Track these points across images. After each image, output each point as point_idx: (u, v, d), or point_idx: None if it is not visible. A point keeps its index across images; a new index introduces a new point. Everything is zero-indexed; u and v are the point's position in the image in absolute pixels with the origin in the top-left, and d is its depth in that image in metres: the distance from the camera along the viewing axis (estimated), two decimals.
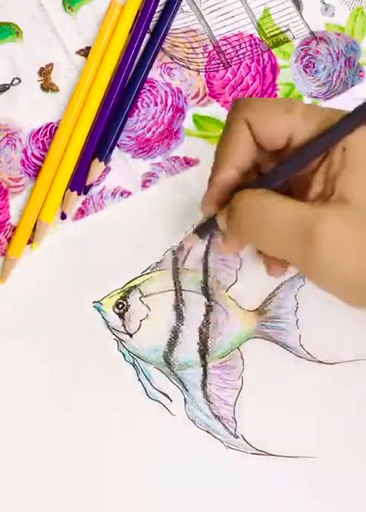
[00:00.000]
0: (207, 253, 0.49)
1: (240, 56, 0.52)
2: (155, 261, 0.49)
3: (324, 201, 0.38)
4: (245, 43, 0.52)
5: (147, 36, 0.52)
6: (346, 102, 0.51)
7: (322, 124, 0.38)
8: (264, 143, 0.40)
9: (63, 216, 0.50)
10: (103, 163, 0.50)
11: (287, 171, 0.39)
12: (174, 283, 0.48)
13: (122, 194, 0.50)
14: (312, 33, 0.52)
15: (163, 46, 0.52)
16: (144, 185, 0.50)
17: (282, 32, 0.52)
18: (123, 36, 0.51)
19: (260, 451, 0.47)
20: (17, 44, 0.52)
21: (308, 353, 0.48)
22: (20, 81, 0.51)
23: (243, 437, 0.47)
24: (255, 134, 0.40)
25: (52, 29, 0.52)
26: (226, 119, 0.41)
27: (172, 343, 0.48)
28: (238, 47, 0.52)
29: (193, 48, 0.52)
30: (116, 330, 0.48)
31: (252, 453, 0.47)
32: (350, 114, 0.38)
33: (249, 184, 0.40)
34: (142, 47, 0.51)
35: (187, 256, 0.49)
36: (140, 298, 0.48)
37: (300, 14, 0.52)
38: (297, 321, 0.48)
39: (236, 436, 0.47)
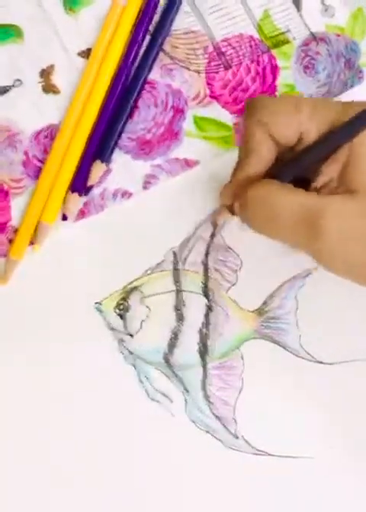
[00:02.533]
0: (207, 254, 0.49)
1: (240, 57, 0.52)
2: (156, 262, 0.49)
3: (331, 192, 0.40)
4: (245, 44, 0.52)
5: (148, 37, 0.52)
6: None
7: (330, 122, 0.40)
8: (278, 141, 0.42)
9: (64, 218, 0.50)
10: (104, 164, 0.50)
11: (295, 169, 0.42)
12: (175, 284, 0.49)
13: (123, 196, 0.50)
14: (312, 34, 0.52)
15: (163, 47, 0.52)
16: (145, 186, 0.50)
17: (282, 33, 0.52)
18: (124, 37, 0.51)
19: (260, 451, 0.47)
20: (18, 45, 0.52)
21: (308, 353, 0.48)
22: (21, 82, 0.52)
23: (243, 438, 0.47)
24: (270, 133, 0.41)
25: (53, 30, 0.52)
26: (242, 120, 0.43)
27: (173, 343, 0.48)
28: (238, 48, 0.52)
29: (193, 49, 0.52)
30: (116, 330, 0.48)
31: (252, 454, 0.47)
32: (356, 117, 0.38)
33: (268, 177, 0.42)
34: (143, 48, 0.52)
35: (192, 252, 0.49)
36: (141, 299, 0.48)
37: (300, 15, 0.52)
38: (297, 321, 0.49)
39: (236, 437, 0.47)
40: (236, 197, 0.43)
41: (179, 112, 0.51)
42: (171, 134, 0.51)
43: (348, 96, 0.51)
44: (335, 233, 0.39)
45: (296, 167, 0.42)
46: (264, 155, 0.42)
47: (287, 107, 0.41)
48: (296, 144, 0.42)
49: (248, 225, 0.42)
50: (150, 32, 0.52)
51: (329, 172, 0.41)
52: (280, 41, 0.52)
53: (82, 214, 0.50)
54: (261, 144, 0.42)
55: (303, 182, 0.42)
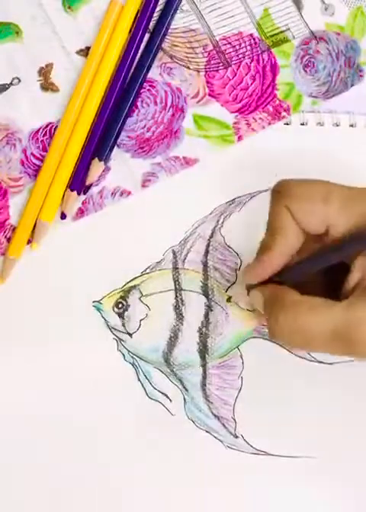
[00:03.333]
0: (206, 253, 0.49)
1: (240, 56, 0.52)
2: (155, 261, 0.49)
3: (363, 290, 0.38)
4: (244, 42, 0.52)
5: (147, 35, 0.52)
6: (346, 102, 0.51)
7: (362, 217, 0.38)
8: (306, 229, 0.40)
9: (63, 216, 0.50)
10: (103, 163, 0.50)
11: (322, 262, 0.40)
12: (174, 283, 0.48)
13: (122, 194, 0.50)
14: (312, 32, 0.52)
15: (163, 45, 0.52)
16: (144, 185, 0.50)
17: (282, 31, 0.52)
18: (123, 35, 0.51)
19: (260, 451, 0.47)
20: (17, 44, 0.52)
21: (308, 352, 0.48)
22: (19, 80, 0.51)
23: (243, 437, 0.47)
24: (296, 221, 0.40)
25: (52, 29, 0.52)
26: (269, 203, 0.41)
27: (172, 343, 0.48)
28: (237, 47, 0.52)
29: (193, 48, 0.52)
30: (115, 329, 0.48)
31: (252, 453, 0.47)
32: None
33: (291, 267, 0.41)
34: (142, 47, 0.51)
35: (191, 251, 0.49)
36: (140, 297, 0.48)
37: (300, 13, 0.52)
38: None
39: (236, 436, 0.47)
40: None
41: (179, 110, 0.51)
42: (171, 132, 0.51)
43: (348, 95, 0.51)
44: None
45: (323, 262, 0.40)
46: (290, 238, 0.40)
47: (315, 196, 0.39)
48: (324, 233, 0.40)
49: (281, 344, 0.43)
50: (149, 30, 0.52)
51: (360, 269, 0.39)
52: (279, 40, 0.52)
53: (81, 213, 0.50)
54: (288, 227, 0.40)
55: (337, 268, 0.40)
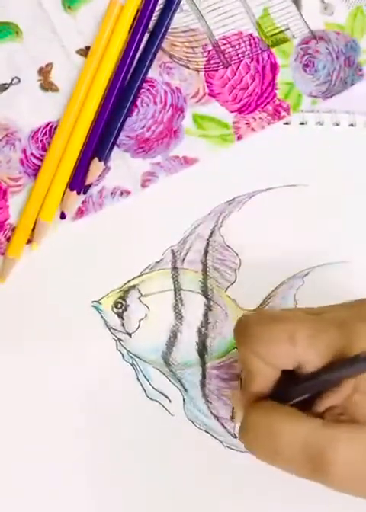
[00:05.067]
0: (206, 253, 0.49)
1: (239, 55, 0.52)
2: (155, 261, 0.49)
3: (335, 419, 0.38)
4: (244, 42, 0.52)
5: (146, 35, 0.52)
6: (346, 101, 0.51)
7: (333, 349, 0.38)
8: (278, 368, 0.39)
9: (63, 216, 0.50)
10: (102, 162, 0.50)
11: (298, 394, 0.39)
12: (174, 283, 0.48)
13: (121, 194, 0.50)
14: (311, 32, 0.52)
15: (162, 45, 0.52)
16: (143, 185, 0.50)
17: (281, 31, 0.52)
18: (123, 35, 0.51)
19: None
20: (17, 44, 0.52)
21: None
22: (19, 80, 0.51)
23: None
24: (267, 363, 0.39)
25: (52, 28, 0.52)
26: (237, 345, 0.41)
27: (171, 343, 0.48)
28: (237, 46, 0.52)
29: (192, 47, 0.52)
30: (115, 329, 0.48)
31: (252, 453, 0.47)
32: (358, 357, 0.36)
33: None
34: (142, 46, 0.51)
35: (191, 251, 0.49)
36: (139, 298, 0.48)
37: (300, 13, 0.52)
38: None
39: (235, 436, 0.47)
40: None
41: (178, 110, 0.51)
42: (171, 132, 0.51)
43: (347, 94, 0.51)
44: (343, 468, 0.36)
45: (300, 391, 0.39)
46: (266, 379, 0.39)
47: (280, 337, 0.38)
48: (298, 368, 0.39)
49: (247, 449, 0.40)
50: (149, 30, 0.52)
51: (332, 399, 0.38)
52: (279, 39, 0.52)
53: (80, 212, 0.50)
54: (261, 371, 0.39)
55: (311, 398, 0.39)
